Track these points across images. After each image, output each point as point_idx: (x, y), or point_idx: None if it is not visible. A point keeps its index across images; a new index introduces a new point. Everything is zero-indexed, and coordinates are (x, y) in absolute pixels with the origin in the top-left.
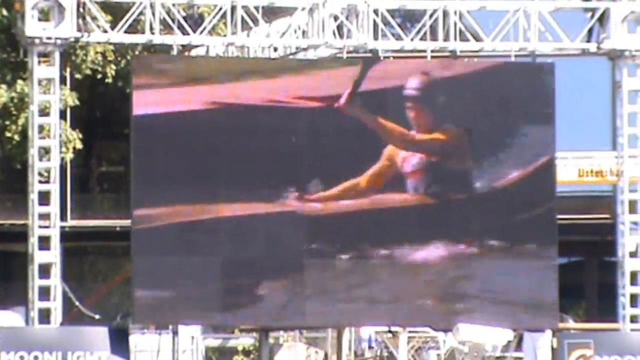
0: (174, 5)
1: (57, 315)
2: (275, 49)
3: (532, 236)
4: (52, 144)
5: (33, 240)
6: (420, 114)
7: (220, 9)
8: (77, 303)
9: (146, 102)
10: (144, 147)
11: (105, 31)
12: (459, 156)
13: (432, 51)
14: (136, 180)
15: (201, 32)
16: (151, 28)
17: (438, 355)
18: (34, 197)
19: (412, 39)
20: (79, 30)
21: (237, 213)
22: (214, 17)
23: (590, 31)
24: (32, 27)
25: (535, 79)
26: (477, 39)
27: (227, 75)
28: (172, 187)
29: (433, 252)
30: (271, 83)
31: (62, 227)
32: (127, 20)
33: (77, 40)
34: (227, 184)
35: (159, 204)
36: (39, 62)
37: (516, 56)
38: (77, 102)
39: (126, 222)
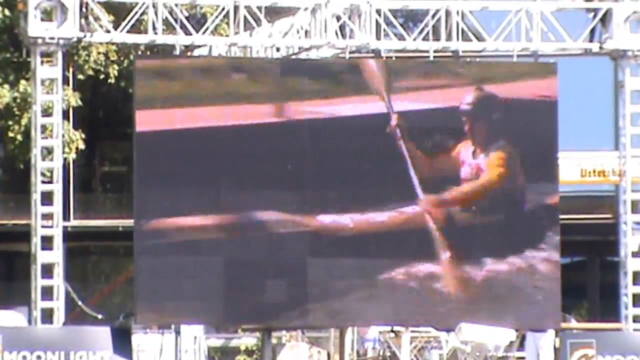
0: (176, 5)
1: (59, 315)
2: (278, 49)
3: (535, 237)
4: (54, 144)
5: (36, 240)
6: (474, 128)
7: (223, 9)
8: (79, 303)
9: (152, 120)
10: (147, 153)
11: (108, 31)
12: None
13: (435, 51)
14: (139, 186)
15: (204, 32)
16: (154, 28)
17: (440, 355)
18: (36, 197)
19: (414, 39)
20: (82, 30)
21: (242, 220)
22: (216, 17)
23: (592, 31)
24: (35, 27)
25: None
26: (480, 39)
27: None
28: (176, 190)
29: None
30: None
31: (64, 227)
32: (130, 20)
33: (79, 40)
34: (233, 192)
35: (162, 210)
36: (42, 62)
37: (518, 56)
38: (80, 103)
39: (129, 222)
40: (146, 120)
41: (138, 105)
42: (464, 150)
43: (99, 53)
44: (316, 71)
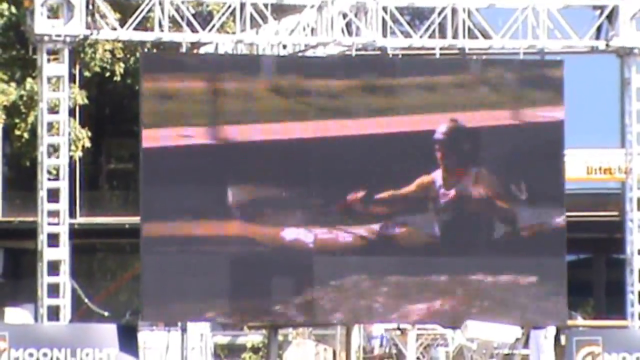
0: (183, 2)
1: (66, 313)
2: (284, 47)
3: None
4: (61, 141)
5: (42, 238)
6: (445, 156)
7: (229, 6)
8: (86, 300)
9: (159, 136)
10: (154, 154)
11: (114, 29)
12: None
13: (441, 49)
14: (145, 185)
15: (210, 30)
16: (160, 25)
17: (446, 352)
18: (43, 194)
19: (420, 37)
20: (88, 27)
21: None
22: (223, 15)
23: (599, 29)
24: (41, 24)
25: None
26: (486, 36)
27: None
28: (183, 190)
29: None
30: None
31: (71, 225)
32: (136, 17)
33: (86, 37)
34: (242, 192)
35: (168, 209)
36: (48, 59)
37: (525, 54)
38: (87, 101)
39: (135, 219)
40: (153, 137)
41: (145, 124)
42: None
43: (105, 50)
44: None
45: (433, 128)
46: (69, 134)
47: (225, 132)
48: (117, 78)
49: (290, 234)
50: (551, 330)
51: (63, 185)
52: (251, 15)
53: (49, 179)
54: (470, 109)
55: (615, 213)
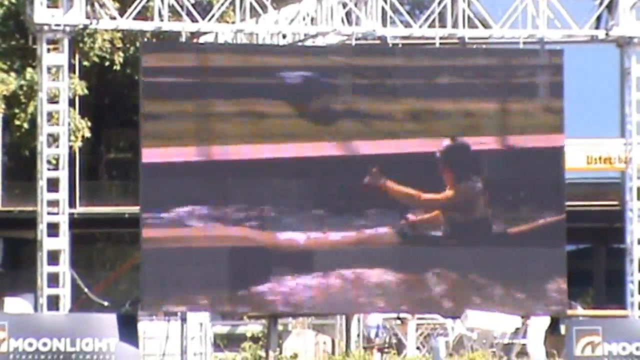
0: None
1: (65, 302)
2: (284, 36)
3: (542, 224)
4: (60, 131)
5: (42, 227)
6: (444, 172)
7: None
8: (85, 290)
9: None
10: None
11: (114, 18)
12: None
13: (441, 38)
14: (145, 175)
15: (210, 19)
16: (160, 15)
17: (446, 342)
18: (42, 184)
19: (420, 26)
20: (88, 17)
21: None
22: (222, 4)
23: (598, 18)
24: (41, 13)
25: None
26: (486, 25)
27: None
28: (183, 180)
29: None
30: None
31: (70, 214)
32: (136, 7)
33: (85, 27)
34: (240, 184)
35: (168, 199)
36: (48, 49)
37: (524, 43)
38: (86, 92)
39: (134, 209)
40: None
41: (145, 142)
42: None
43: (103, 40)
44: None
45: (434, 150)
46: (69, 123)
47: (220, 151)
48: (117, 68)
49: (285, 236)
50: (538, 320)
51: (63, 175)
52: (251, 4)
53: (49, 169)
54: (469, 132)
55: (615, 203)
